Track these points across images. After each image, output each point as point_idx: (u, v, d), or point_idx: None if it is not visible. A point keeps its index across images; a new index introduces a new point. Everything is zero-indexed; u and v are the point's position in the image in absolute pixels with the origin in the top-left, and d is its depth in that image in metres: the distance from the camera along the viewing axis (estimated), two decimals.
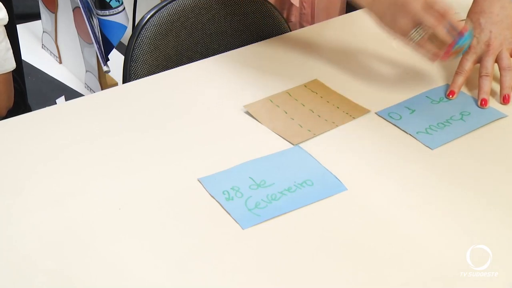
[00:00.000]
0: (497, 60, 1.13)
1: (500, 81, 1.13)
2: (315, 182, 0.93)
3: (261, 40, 1.32)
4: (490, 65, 1.12)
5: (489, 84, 1.11)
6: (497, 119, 1.08)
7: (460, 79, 1.13)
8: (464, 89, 1.15)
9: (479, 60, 1.14)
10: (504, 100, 1.11)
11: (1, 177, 0.92)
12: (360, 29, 1.37)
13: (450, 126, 1.06)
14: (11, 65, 1.24)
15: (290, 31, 1.42)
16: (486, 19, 1.13)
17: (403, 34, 1.02)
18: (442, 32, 1.00)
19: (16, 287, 0.76)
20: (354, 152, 1.00)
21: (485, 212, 0.90)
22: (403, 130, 1.05)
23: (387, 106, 1.10)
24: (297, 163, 0.97)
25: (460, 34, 1.01)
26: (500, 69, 1.13)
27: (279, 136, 1.01)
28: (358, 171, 0.96)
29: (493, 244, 0.83)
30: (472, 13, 1.16)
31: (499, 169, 0.98)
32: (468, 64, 1.13)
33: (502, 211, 0.90)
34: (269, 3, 1.41)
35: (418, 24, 1.00)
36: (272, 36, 1.35)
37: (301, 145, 1.00)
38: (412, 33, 1.01)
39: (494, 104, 1.12)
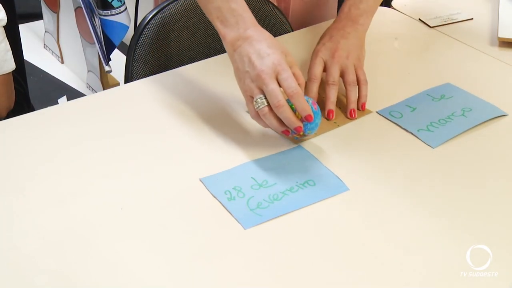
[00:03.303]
0: (342, 75, 1.09)
1: (346, 96, 1.09)
2: (317, 182, 0.93)
3: None
4: (336, 73, 1.08)
5: (335, 94, 1.07)
6: (499, 119, 1.08)
7: (315, 86, 1.08)
8: (464, 87, 1.15)
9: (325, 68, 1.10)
10: (350, 115, 1.07)
11: (3, 177, 0.92)
12: None
13: (452, 122, 1.06)
14: (11, 66, 1.24)
15: (292, 31, 1.42)
16: (337, 32, 1.13)
17: (247, 96, 0.95)
18: (284, 112, 0.91)
19: (18, 287, 0.76)
20: (355, 152, 1.00)
21: (485, 211, 0.90)
22: (404, 129, 1.05)
23: (388, 105, 1.10)
24: (299, 163, 0.97)
25: (307, 119, 0.93)
26: (345, 83, 1.09)
27: (281, 136, 1.02)
28: (359, 171, 0.96)
29: (493, 244, 0.83)
30: (328, 29, 1.16)
31: (500, 168, 0.98)
32: (320, 69, 1.09)
33: (502, 211, 0.90)
34: (270, 3, 1.41)
35: (262, 92, 0.92)
36: (273, 36, 1.35)
37: (303, 145, 1.00)
38: (256, 99, 0.93)
39: (495, 101, 1.12)
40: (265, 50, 0.93)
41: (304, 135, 0.96)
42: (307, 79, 1.08)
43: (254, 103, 0.93)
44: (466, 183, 0.95)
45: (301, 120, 0.94)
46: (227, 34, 0.97)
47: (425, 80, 1.18)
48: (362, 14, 1.16)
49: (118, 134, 1.02)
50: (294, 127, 0.93)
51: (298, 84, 0.94)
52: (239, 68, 0.96)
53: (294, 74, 0.94)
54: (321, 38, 1.15)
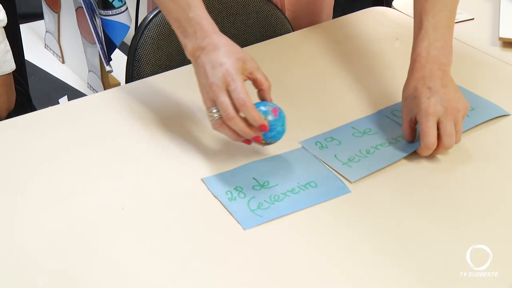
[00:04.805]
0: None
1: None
2: (319, 184, 0.93)
3: (263, 40, 1.32)
4: (453, 132, 0.97)
5: None
6: (501, 119, 1.08)
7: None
8: (466, 87, 1.15)
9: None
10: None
11: (4, 177, 0.92)
12: (362, 29, 1.37)
13: None
14: (10, 67, 1.24)
15: (293, 31, 1.42)
16: (434, 81, 0.99)
17: (206, 107, 0.93)
18: (235, 124, 0.89)
19: (19, 286, 0.76)
20: None
21: (485, 212, 0.90)
22: None
23: (390, 105, 1.10)
24: (301, 165, 0.96)
25: (261, 129, 0.90)
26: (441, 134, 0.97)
27: (283, 137, 1.01)
28: None
29: (493, 244, 0.83)
30: (415, 80, 1.02)
31: (501, 168, 0.98)
32: (436, 134, 0.97)
33: (502, 211, 0.90)
34: (271, 3, 1.41)
35: (216, 104, 0.91)
36: (274, 36, 1.36)
37: (305, 146, 1.00)
38: (212, 111, 0.91)
39: (496, 101, 1.12)
40: (219, 60, 0.91)
41: (268, 143, 0.94)
42: (422, 147, 0.97)
43: (209, 115, 0.92)
44: (467, 183, 0.95)
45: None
46: (187, 45, 0.94)
47: None
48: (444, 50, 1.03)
49: (119, 134, 1.02)
50: (249, 137, 0.92)
51: (261, 89, 0.93)
52: (199, 79, 0.94)
53: (256, 80, 0.93)
54: (415, 91, 1.00)
